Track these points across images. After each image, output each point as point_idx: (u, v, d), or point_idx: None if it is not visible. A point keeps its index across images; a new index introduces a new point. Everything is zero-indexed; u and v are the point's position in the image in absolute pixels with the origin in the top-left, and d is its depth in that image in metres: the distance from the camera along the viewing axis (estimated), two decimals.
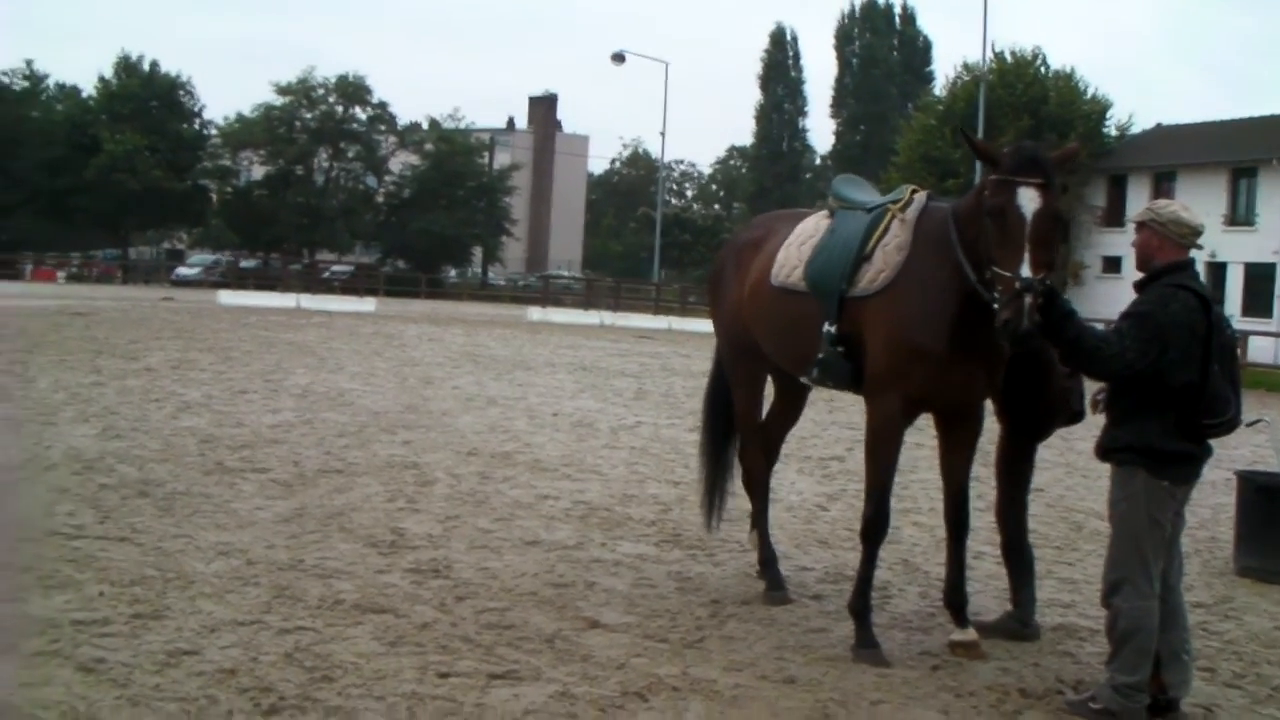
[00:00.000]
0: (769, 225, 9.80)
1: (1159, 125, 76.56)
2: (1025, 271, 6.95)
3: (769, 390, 10.17)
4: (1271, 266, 61.63)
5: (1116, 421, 7.25)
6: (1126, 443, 7.13)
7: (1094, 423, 7.89)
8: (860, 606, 8.29)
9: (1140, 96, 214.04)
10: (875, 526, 8.32)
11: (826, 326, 8.43)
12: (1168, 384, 6.96)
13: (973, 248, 7.58)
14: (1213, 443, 7.31)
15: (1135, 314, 7.11)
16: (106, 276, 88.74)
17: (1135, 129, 76.52)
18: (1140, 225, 7.30)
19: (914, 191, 8.54)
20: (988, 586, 10.05)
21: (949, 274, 7.87)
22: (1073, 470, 16.96)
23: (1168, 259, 7.19)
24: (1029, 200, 7.11)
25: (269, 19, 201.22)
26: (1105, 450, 7.33)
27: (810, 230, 9.00)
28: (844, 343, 8.38)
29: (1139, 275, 7.33)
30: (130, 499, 11.51)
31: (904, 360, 7.99)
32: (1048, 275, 7.07)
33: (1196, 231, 7.28)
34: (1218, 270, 62.11)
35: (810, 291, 8.64)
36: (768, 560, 9.81)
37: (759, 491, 10.05)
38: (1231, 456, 18.30)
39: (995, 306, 7.10)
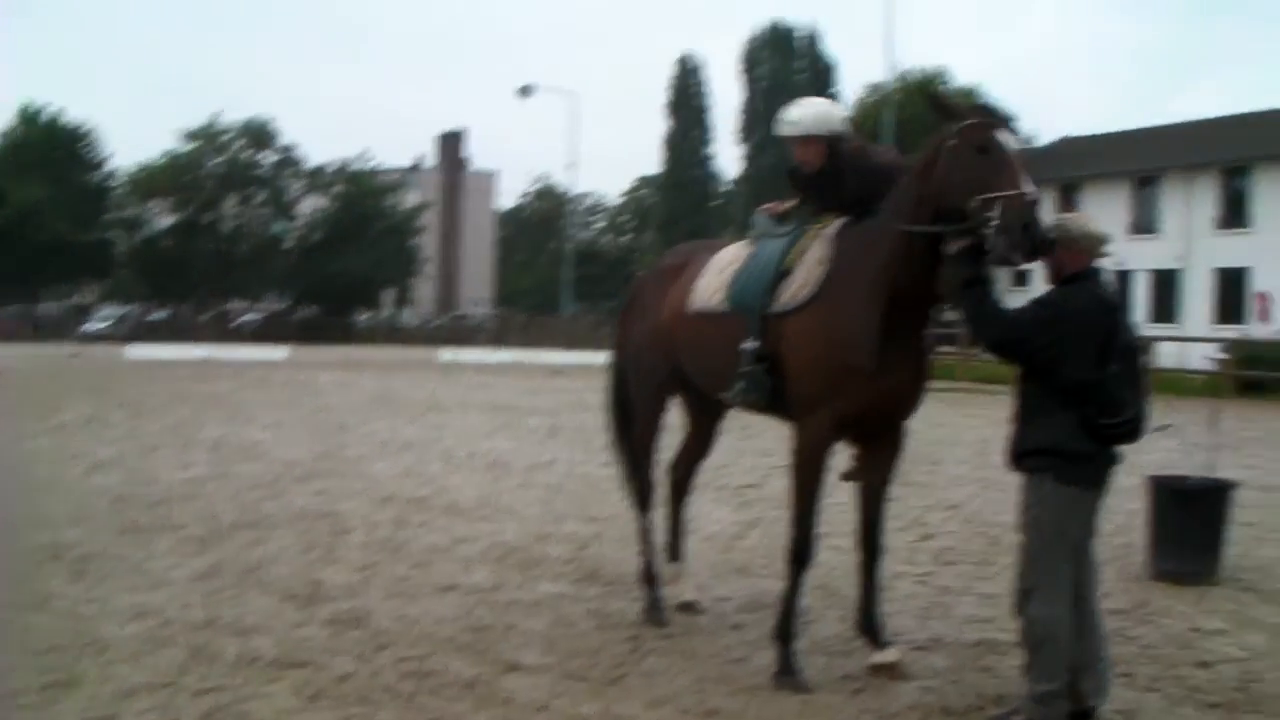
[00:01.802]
0: (688, 254, 9.85)
1: (1064, 138, 77.61)
2: (1028, 185, 7.08)
3: (676, 419, 10.20)
4: (1175, 272, 62.50)
5: (1023, 422, 7.32)
6: (1034, 444, 7.20)
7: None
8: (783, 633, 8.30)
9: (1043, 110, 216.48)
10: (801, 552, 8.32)
11: (747, 344, 8.45)
12: (1062, 379, 7.06)
13: (932, 201, 7.61)
14: (1124, 448, 7.38)
15: (1037, 300, 7.26)
16: (12, 334, 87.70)
17: (1041, 142, 77.50)
18: (1053, 242, 7.33)
19: (834, 216, 8.58)
20: (906, 607, 10.09)
21: (874, 285, 7.93)
22: (989, 485, 17.06)
23: (1077, 268, 7.29)
24: (1007, 137, 7.36)
25: (172, 63, 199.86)
26: (1014, 456, 7.40)
27: (731, 257, 9.06)
28: (766, 361, 8.39)
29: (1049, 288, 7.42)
30: (43, 564, 11.34)
31: (829, 377, 8.01)
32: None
33: (1104, 241, 7.45)
34: (1123, 278, 62.81)
35: (732, 311, 8.68)
36: (651, 580, 9.93)
37: (648, 513, 10.16)
38: (1143, 462, 18.44)
39: (993, 225, 7.04)
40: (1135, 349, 7.50)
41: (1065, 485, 7.17)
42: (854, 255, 8.12)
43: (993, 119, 7.46)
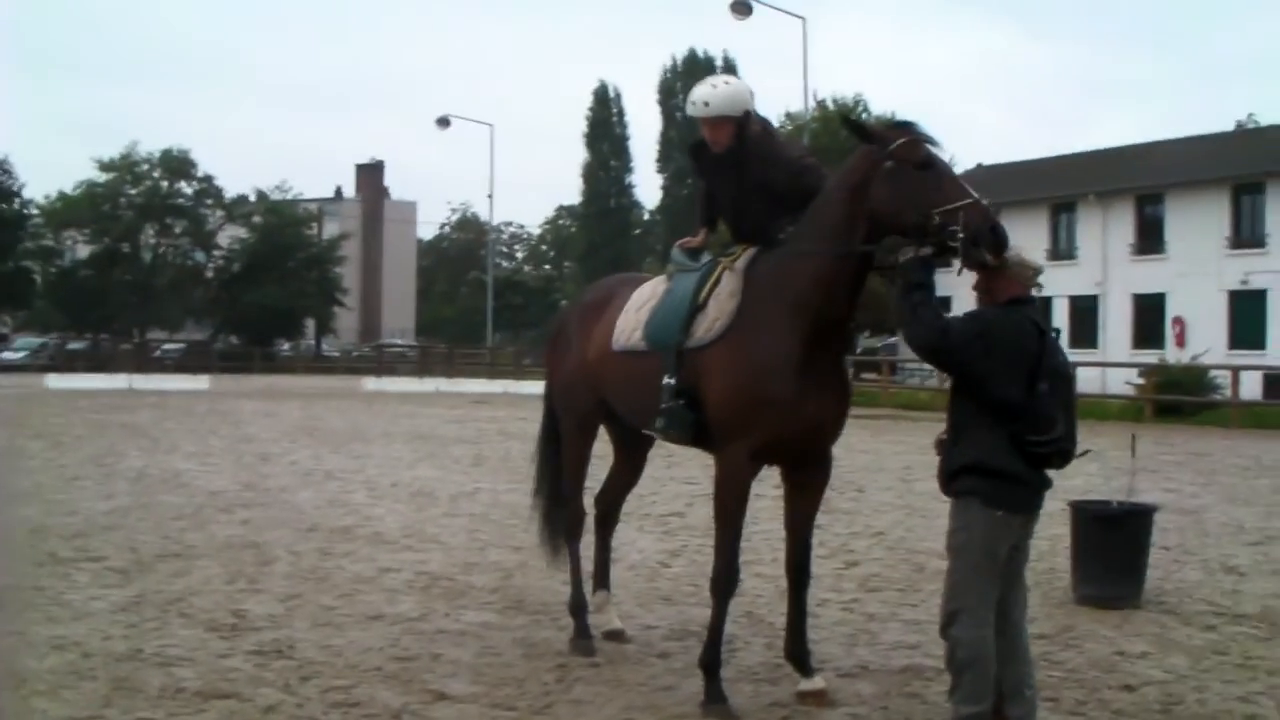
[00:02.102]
0: (611, 289, 9.83)
1: (979, 165, 78.20)
2: (975, 192, 7.30)
3: (604, 450, 10.20)
4: (1094, 298, 63.20)
5: (953, 442, 7.35)
6: (961, 462, 7.21)
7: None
8: (710, 661, 8.29)
9: (958, 138, 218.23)
10: (725, 581, 8.32)
11: (666, 379, 8.45)
12: (990, 395, 7.11)
13: (873, 220, 7.70)
14: (1050, 474, 7.43)
15: (971, 314, 7.38)
16: None
17: (957, 170, 77.86)
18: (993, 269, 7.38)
19: (745, 248, 8.60)
20: (833, 634, 10.11)
21: (795, 312, 7.97)
22: (913, 512, 17.15)
23: (1011, 295, 7.37)
24: (940, 153, 7.58)
25: (87, 92, 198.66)
26: (945, 476, 7.41)
27: (648, 294, 9.05)
28: (685, 395, 8.39)
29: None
30: None
31: (749, 408, 8.01)
32: None
33: (1038, 271, 7.59)
34: (1044, 304, 63.15)
35: (650, 349, 8.69)
36: (578, 608, 9.90)
37: (576, 543, 10.12)
38: (1066, 487, 18.57)
39: (959, 237, 7.17)
40: (1066, 374, 7.55)
41: (993, 509, 7.16)
42: (768, 285, 8.18)
43: (921, 135, 7.58)
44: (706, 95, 8.66)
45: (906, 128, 7.71)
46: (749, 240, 8.66)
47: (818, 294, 7.90)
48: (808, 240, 8.02)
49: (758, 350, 8.02)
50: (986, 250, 7.18)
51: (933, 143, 7.58)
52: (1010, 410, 7.08)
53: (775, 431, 8.04)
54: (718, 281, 8.44)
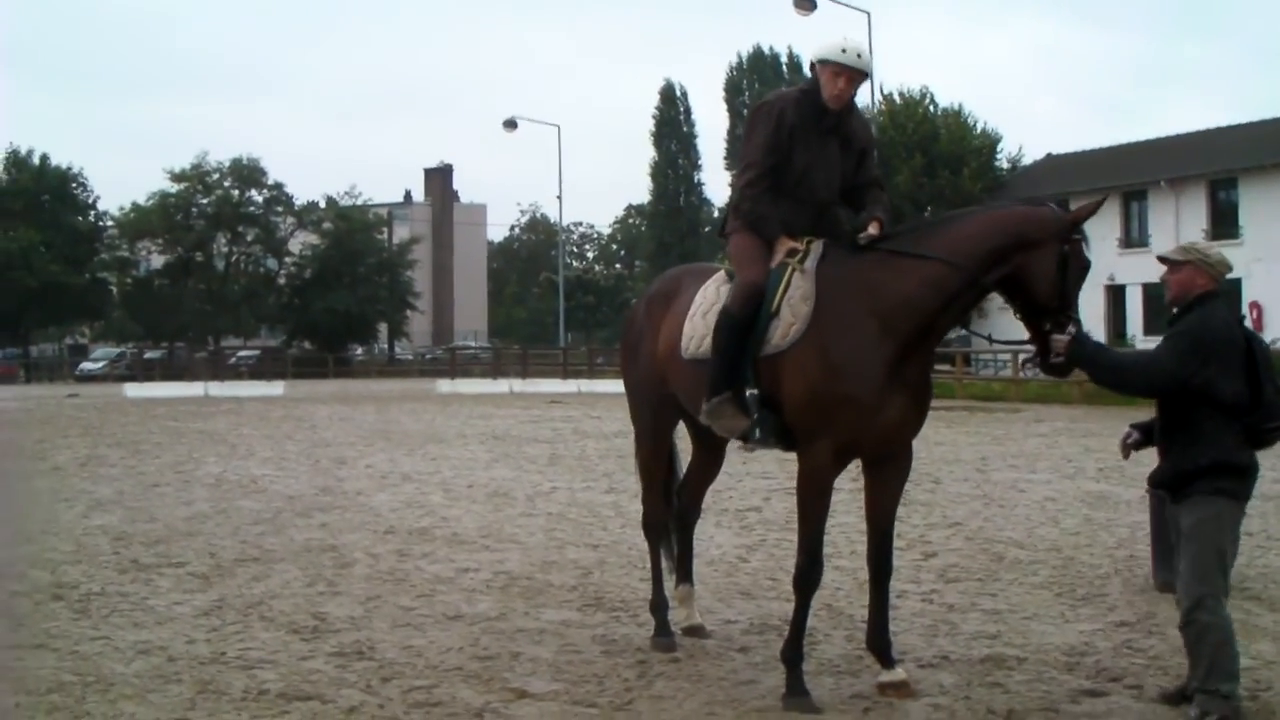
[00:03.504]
0: (679, 280, 9.75)
1: (1049, 155, 77.87)
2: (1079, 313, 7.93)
3: (685, 444, 10.18)
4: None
5: (1184, 445, 7.64)
6: (1203, 463, 7.51)
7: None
8: (793, 655, 8.27)
9: (1024, 129, 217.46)
10: (809, 576, 8.30)
11: (750, 391, 8.43)
12: (1218, 398, 7.42)
13: (1010, 266, 7.94)
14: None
15: (1174, 334, 7.70)
16: (8, 377, 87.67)
17: (1026, 160, 77.69)
18: (1182, 264, 7.84)
19: (809, 242, 8.54)
20: (912, 626, 10.07)
21: (870, 312, 7.98)
22: (990, 502, 17.06)
23: (1204, 289, 7.77)
24: (1086, 256, 7.91)
25: (156, 105, 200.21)
26: (1177, 478, 7.61)
27: (713, 298, 8.93)
28: (766, 402, 8.37)
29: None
30: (44, 604, 11.32)
31: (830, 409, 7.97)
32: None
33: (1229, 267, 8.04)
34: (1117, 293, 63.13)
35: None
36: (658, 605, 9.87)
37: (660, 539, 10.10)
38: (1144, 474, 18.42)
39: (1055, 337, 7.78)
40: (1268, 355, 7.73)
41: (1239, 501, 7.59)
42: (842, 287, 8.16)
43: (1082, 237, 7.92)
44: (859, 45, 8.67)
45: (1081, 217, 7.96)
46: (811, 216, 8.70)
47: (930, 301, 7.96)
48: (930, 248, 8.03)
49: (837, 351, 7.99)
50: (1043, 369, 8.04)
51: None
52: (1241, 406, 7.44)
53: (856, 430, 8.02)
54: (789, 285, 8.35)
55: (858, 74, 8.64)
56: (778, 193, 8.72)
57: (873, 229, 8.37)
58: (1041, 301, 7.82)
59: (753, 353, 8.35)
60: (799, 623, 8.33)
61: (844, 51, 8.57)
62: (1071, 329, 7.74)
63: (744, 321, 8.34)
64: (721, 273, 9.17)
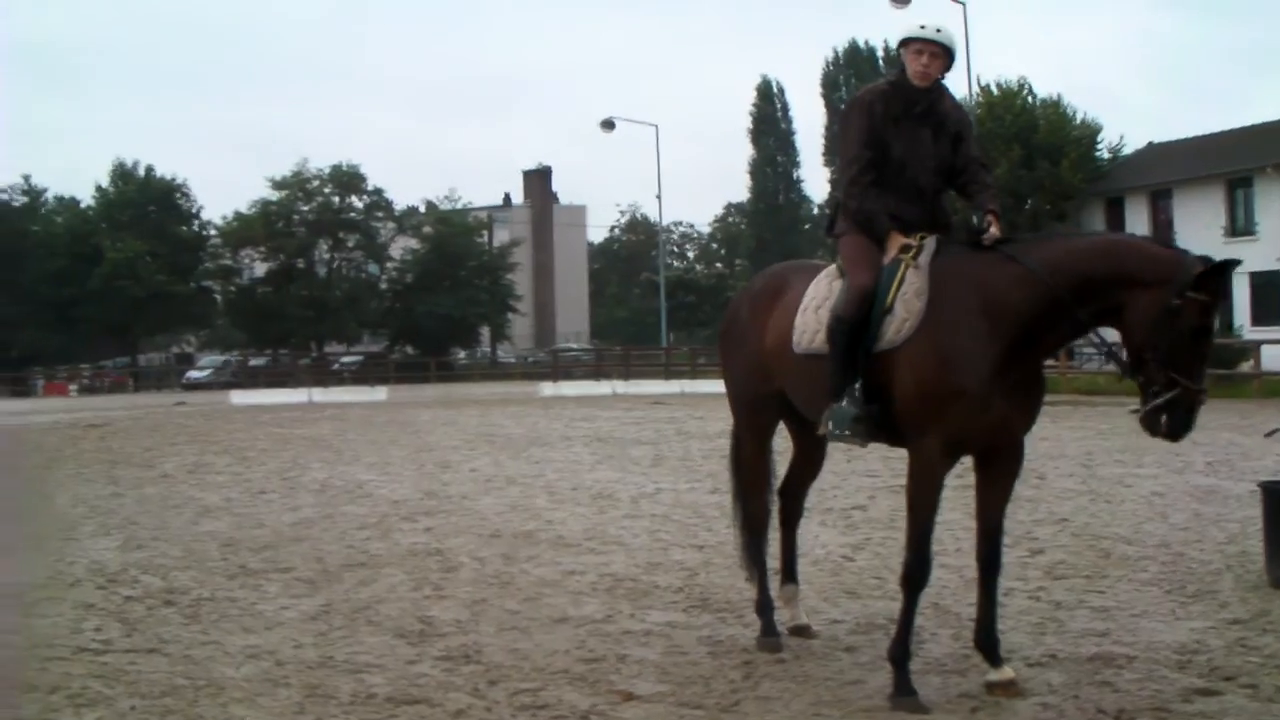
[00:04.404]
0: (784, 276, 9.72)
1: (1150, 144, 76.99)
2: (1203, 381, 7.55)
3: (784, 444, 10.14)
4: (1276, 274, 61.70)
5: None
6: None
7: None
8: (900, 654, 8.22)
9: (1124, 118, 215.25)
10: (917, 573, 8.27)
11: (854, 386, 8.40)
12: None
13: (1111, 303, 7.73)
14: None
15: None
16: (118, 386, 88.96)
17: (1127, 150, 76.90)
18: None
19: (922, 237, 8.51)
20: (1019, 624, 9.99)
21: (980, 311, 7.94)
22: (1096, 498, 16.91)
23: None
24: (1214, 320, 7.59)
25: (254, 108, 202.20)
26: None
27: (825, 292, 8.91)
28: (876, 396, 8.36)
29: None
30: (156, 609, 11.47)
31: (941, 403, 7.95)
32: None
33: None
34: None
35: None
36: (764, 606, 9.84)
37: (762, 539, 10.04)
38: (1255, 468, 18.24)
39: (1159, 403, 7.50)
40: None
41: None
42: (957, 284, 8.12)
43: (1220, 297, 7.52)
44: (937, 21, 8.69)
45: (1216, 279, 7.48)
46: (916, 206, 8.66)
47: (1034, 315, 7.88)
48: (1045, 265, 7.90)
49: (949, 346, 7.96)
50: (1161, 433, 7.63)
51: (1220, 298, 7.58)
52: None
53: (967, 425, 7.97)
54: (902, 281, 8.32)
55: (940, 49, 8.63)
56: (881, 186, 8.68)
57: (994, 230, 8.33)
58: (1135, 350, 7.64)
59: (867, 347, 8.34)
60: (907, 621, 8.29)
61: (923, 27, 8.61)
62: (1163, 399, 7.48)
63: (856, 325, 8.33)
64: (832, 267, 9.13)
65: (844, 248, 8.83)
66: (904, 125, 8.68)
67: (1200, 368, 7.48)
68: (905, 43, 8.68)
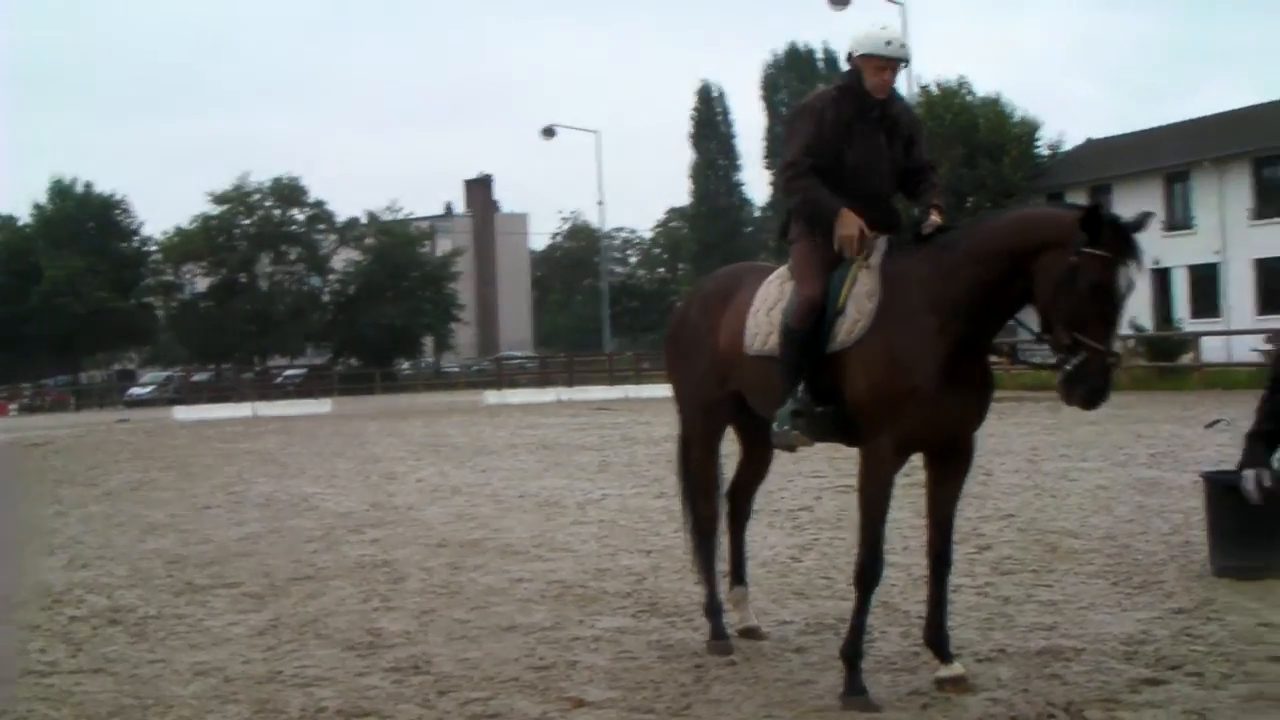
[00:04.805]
0: (734, 278, 9.70)
1: (1089, 140, 77.70)
2: (1114, 346, 7.46)
3: (730, 446, 10.14)
4: (1214, 266, 62.38)
5: None
6: None
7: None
8: (852, 653, 8.21)
9: (1063, 115, 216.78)
10: (869, 572, 8.25)
11: (800, 388, 8.39)
12: None
13: (1017, 279, 7.72)
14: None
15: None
16: (59, 404, 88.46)
17: (1066, 146, 77.50)
18: None
19: (874, 236, 8.45)
20: (968, 619, 10.02)
21: (933, 312, 7.93)
22: (1042, 492, 17.00)
23: None
24: (1125, 280, 7.39)
25: (192, 122, 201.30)
26: None
27: (776, 294, 8.90)
28: (831, 397, 8.36)
29: None
30: (102, 629, 11.39)
31: (893, 402, 7.94)
32: None
33: None
34: (1162, 276, 62.81)
35: None
36: (713, 610, 9.82)
37: (712, 542, 10.01)
38: (1197, 459, 18.36)
39: (1068, 369, 7.43)
40: None
41: None
42: (907, 283, 8.11)
43: (1124, 254, 7.37)
44: (897, 34, 8.64)
45: (1118, 233, 7.40)
46: (870, 211, 8.52)
47: (970, 303, 7.87)
48: (969, 254, 7.93)
49: (900, 345, 7.95)
50: (1075, 400, 7.46)
51: (1132, 260, 7.40)
52: None
53: (918, 424, 7.98)
54: (854, 281, 8.33)
55: (897, 61, 8.64)
56: (836, 192, 8.63)
57: (934, 217, 8.35)
58: (1043, 314, 7.61)
59: (820, 348, 8.34)
60: (859, 620, 8.29)
61: (888, 44, 8.53)
62: (1071, 364, 7.40)
63: (804, 335, 8.34)
64: (784, 269, 9.12)
65: (795, 255, 8.81)
66: (857, 130, 8.64)
67: (1105, 330, 7.39)
68: (866, 57, 8.59)
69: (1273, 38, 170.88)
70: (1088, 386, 7.36)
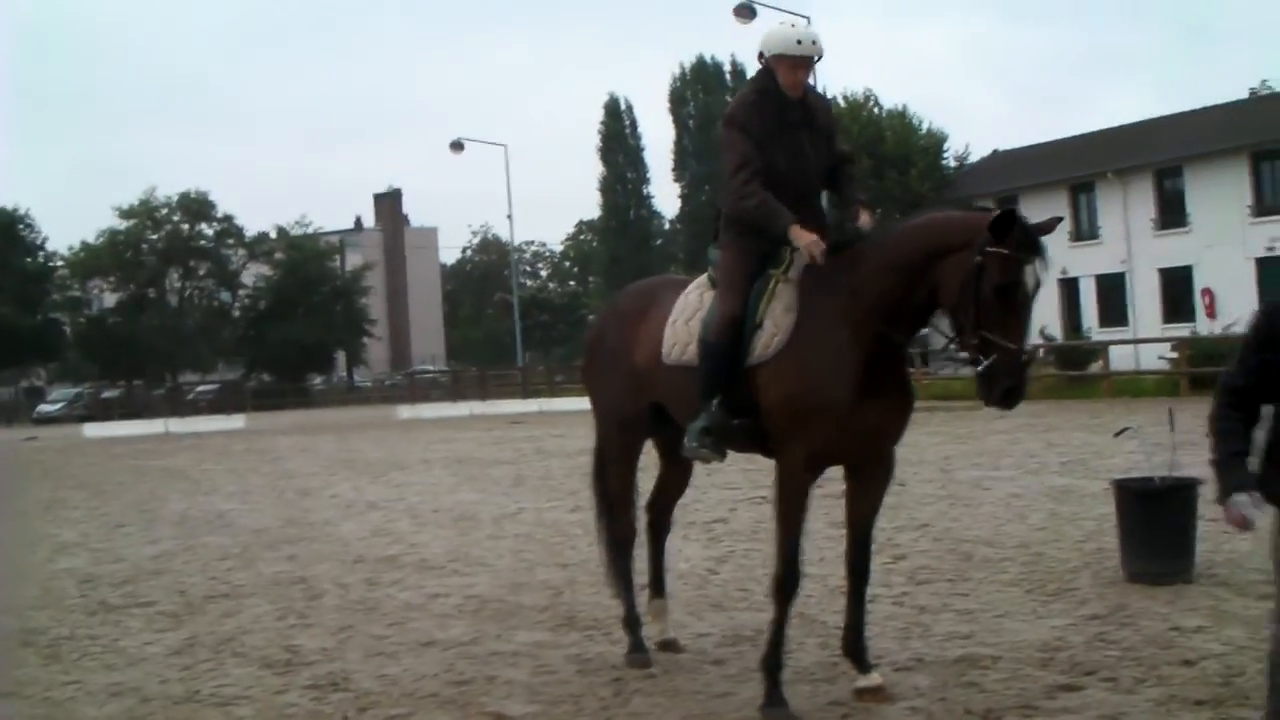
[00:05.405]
0: (651, 292, 9.70)
1: (995, 151, 78.49)
2: (1027, 344, 7.45)
3: (651, 459, 10.14)
4: (1120, 276, 63.09)
5: None
6: None
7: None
8: (773, 664, 8.22)
9: (969, 127, 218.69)
10: (788, 583, 8.26)
11: (715, 402, 8.38)
12: None
13: (925, 280, 7.71)
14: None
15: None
16: None
17: (973, 157, 78.16)
18: None
19: (793, 251, 8.42)
20: (885, 629, 10.07)
21: (847, 324, 7.93)
22: (956, 502, 17.13)
23: None
24: (1032, 278, 7.38)
25: (98, 137, 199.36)
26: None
27: (695, 304, 8.89)
28: (748, 410, 8.36)
29: None
30: (12, 651, 11.25)
31: (807, 416, 7.95)
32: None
33: None
34: (1070, 285, 63.53)
35: None
36: (631, 623, 9.83)
37: (628, 556, 10.01)
38: (1107, 466, 18.55)
39: (980, 370, 7.38)
40: None
41: None
42: (824, 298, 8.10)
43: (1028, 252, 7.38)
44: (810, 33, 8.56)
45: (1022, 233, 7.40)
46: (800, 212, 8.38)
47: (884, 312, 7.87)
48: (876, 263, 7.93)
49: (815, 360, 7.95)
50: (991, 401, 7.41)
51: (1037, 258, 7.41)
52: None
53: (832, 438, 7.98)
54: (773, 296, 8.31)
55: (809, 60, 8.60)
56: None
57: (864, 219, 8.40)
58: (952, 316, 7.60)
59: (738, 361, 8.32)
60: (778, 631, 8.29)
61: (799, 43, 8.46)
62: (984, 365, 7.34)
63: (721, 349, 8.33)
64: (703, 278, 9.10)
65: (720, 264, 8.77)
66: (780, 135, 8.57)
67: (1015, 327, 7.35)
68: (779, 57, 8.51)
69: (1164, 47, 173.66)
70: (1003, 386, 7.32)
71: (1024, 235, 7.39)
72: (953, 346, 7.73)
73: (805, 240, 8.16)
